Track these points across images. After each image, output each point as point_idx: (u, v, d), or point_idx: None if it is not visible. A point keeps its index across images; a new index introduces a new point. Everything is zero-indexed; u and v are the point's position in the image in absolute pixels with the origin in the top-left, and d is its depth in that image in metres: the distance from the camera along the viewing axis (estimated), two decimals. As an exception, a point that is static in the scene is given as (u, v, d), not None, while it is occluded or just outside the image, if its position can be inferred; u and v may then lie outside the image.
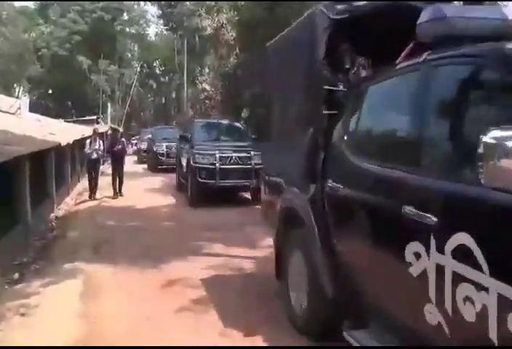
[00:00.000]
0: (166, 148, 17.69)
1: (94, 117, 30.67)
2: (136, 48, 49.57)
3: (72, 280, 5.13)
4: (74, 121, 27.30)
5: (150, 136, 20.74)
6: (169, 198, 11.64)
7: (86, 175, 12.51)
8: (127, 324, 3.85)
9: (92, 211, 9.79)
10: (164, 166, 17.70)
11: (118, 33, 44.14)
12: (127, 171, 13.26)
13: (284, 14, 13.11)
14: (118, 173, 11.96)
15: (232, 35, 16.96)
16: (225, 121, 13.01)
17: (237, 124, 12.95)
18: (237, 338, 3.57)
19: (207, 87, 21.24)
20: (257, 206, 7.23)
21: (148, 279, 5.08)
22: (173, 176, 13.85)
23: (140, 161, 22.84)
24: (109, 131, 23.50)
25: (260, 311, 4.03)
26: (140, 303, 4.35)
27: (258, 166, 9.10)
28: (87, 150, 11.74)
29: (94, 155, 11.72)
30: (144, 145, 22.64)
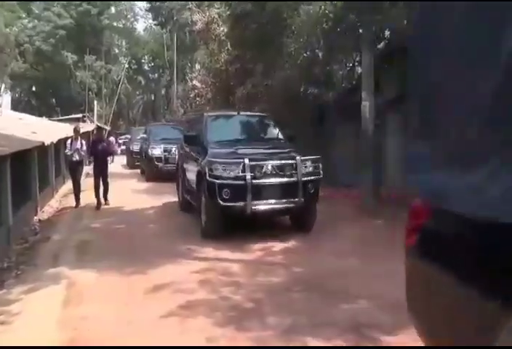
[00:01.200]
0: (165, 151, 15.13)
1: (80, 115, 30.58)
2: (124, 43, 49.49)
3: (55, 285, 5.13)
4: (59, 120, 27.19)
5: (143, 135, 17.69)
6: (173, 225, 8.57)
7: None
8: (111, 330, 3.87)
9: (77, 214, 9.78)
10: (167, 169, 14.45)
11: (105, 27, 44.00)
12: (115, 178, 12.92)
13: (275, 8, 13.14)
14: (101, 178, 10.62)
15: (223, 30, 16.96)
16: (249, 114, 9.65)
17: (266, 117, 9.33)
18: (226, 343, 3.62)
19: (198, 84, 21.17)
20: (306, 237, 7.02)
21: (133, 284, 5.09)
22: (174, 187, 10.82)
23: (131, 166, 20.89)
24: (95, 131, 23.39)
25: (250, 313, 4.07)
26: (124, 309, 4.36)
27: (307, 178, 7.12)
28: (68, 151, 10.74)
29: (76, 157, 10.64)
30: (136, 146, 19.76)
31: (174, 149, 13.89)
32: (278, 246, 6.69)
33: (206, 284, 5.05)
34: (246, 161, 6.75)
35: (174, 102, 29.84)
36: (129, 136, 25.18)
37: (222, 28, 17.06)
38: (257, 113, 10.05)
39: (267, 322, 4.01)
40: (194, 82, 22.53)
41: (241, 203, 6.74)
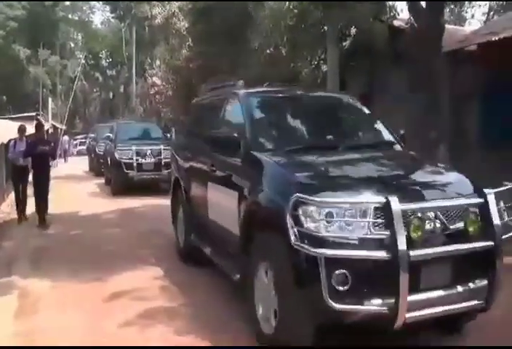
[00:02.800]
0: (138, 155, 12.04)
1: (34, 113, 29.83)
2: (80, 37, 48.53)
3: (6, 296, 4.99)
4: (11, 118, 26.46)
5: (109, 134, 14.08)
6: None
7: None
8: (67, 341, 3.80)
9: (33, 218, 9.50)
10: (142, 178, 12.24)
11: (60, 19, 43.03)
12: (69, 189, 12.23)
13: (240, 1, 13.16)
14: (39, 190, 8.72)
15: (184, 25, 16.86)
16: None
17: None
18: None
19: (158, 81, 21.04)
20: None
21: (91, 292, 5.02)
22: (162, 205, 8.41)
23: (97, 172, 17.43)
24: (50, 130, 22.80)
25: (218, 320, 4.07)
26: (81, 318, 4.28)
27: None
28: (11, 154, 9.30)
29: (21, 162, 9.10)
30: (101, 148, 15.96)
31: (149, 152, 12.08)
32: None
33: (166, 291, 5.03)
34: (395, 203, 2.94)
35: (133, 100, 29.51)
36: (91, 135, 23.01)
37: (183, 23, 16.95)
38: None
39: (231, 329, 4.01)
40: (154, 79, 22.38)
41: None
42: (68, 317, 4.32)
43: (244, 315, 3.95)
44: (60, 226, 8.57)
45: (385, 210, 2.94)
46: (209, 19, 14.10)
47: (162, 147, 12.11)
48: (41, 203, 8.68)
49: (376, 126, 4.78)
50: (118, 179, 12.37)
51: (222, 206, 4.45)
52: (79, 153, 35.32)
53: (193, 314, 4.31)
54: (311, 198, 2.97)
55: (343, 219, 2.94)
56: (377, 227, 2.96)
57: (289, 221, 2.98)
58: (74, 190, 13.96)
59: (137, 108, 31.00)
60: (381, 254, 2.90)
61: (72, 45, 47.73)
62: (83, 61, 45.30)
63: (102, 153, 15.79)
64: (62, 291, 5.07)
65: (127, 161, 12.11)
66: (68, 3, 43.75)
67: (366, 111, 4.93)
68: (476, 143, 8.18)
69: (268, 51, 11.01)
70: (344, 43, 10.55)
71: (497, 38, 7.34)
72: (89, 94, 50.03)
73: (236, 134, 4.18)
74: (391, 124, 4.83)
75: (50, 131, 25.82)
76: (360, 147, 4.28)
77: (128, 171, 12.06)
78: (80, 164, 21.74)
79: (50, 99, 38.62)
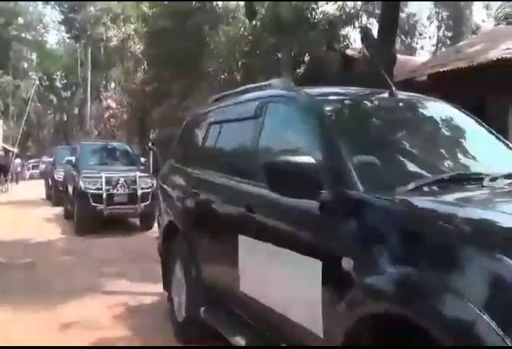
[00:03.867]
0: (108, 184, 9.82)
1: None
2: (34, 57, 47.81)
3: None
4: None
5: (70, 158, 11.74)
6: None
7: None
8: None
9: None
10: (113, 213, 9.85)
11: (13, 38, 42.35)
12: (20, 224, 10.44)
13: (194, 25, 13.23)
14: None
15: (140, 48, 16.82)
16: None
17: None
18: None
19: (112, 104, 20.79)
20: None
21: (41, 322, 4.72)
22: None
23: (55, 201, 14.66)
24: (1, 152, 22.03)
25: None
26: None
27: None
28: None
29: None
30: (60, 174, 13.80)
31: (122, 180, 9.86)
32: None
33: (120, 319, 4.81)
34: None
35: (88, 123, 29.06)
36: (48, 158, 21.33)
37: (138, 46, 16.92)
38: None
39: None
40: (109, 102, 22.11)
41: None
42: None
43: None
44: None
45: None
46: (164, 43, 14.09)
47: (138, 174, 9.97)
48: None
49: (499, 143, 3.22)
50: (84, 215, 9.75)
51: (277, 279, 2.68)
52: (31, 177, 34.50)
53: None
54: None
55: None
56: None
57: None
58: (27, 226, 10.76)
59: (92, 131, 30.52)
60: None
61: (25, 65, 46.91)
62: (37, 82, 44.59)
63: (61, 179, 13.53)
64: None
65: (95, 191, 9.70)
66: (21, 21, 43.19)
67: (481, 125, 3.33)
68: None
69: (222, 76, 11.00)
70: (298, 70, 10.67)
71: (445, 70, 7.55)
72: (43, 116, 48.99)
73: (309, 161, 2.34)
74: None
75: (1, 153, 24.98)
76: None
77: (96, 205, 9.60)
78: (34, 191, 20.16)
79: (1, 121, 37.65)
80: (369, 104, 3.17)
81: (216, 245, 3.52)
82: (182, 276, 4.06)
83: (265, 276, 2.84)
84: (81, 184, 9.76)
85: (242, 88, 4.05)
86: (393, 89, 3.09)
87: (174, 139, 13.05)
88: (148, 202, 9.56)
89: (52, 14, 51.93)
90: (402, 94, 3.23)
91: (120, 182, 9.81)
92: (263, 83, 3.72)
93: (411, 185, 2.26)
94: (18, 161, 32.44)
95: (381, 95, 3.20)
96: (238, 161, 3.39)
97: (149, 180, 9.86)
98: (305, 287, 2.38)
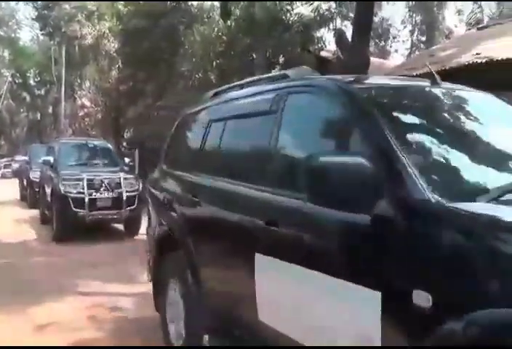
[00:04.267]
0: (90, 187, 8.80)
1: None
2: (6, 53, 46.77)
3: None
4: None
5: (47, 158, 10.52)
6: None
7: None
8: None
9: None
10: (96, 219, 8.91)
11: (-16, 35, 41.37)
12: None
13: (169, 25, 13.10)
14: None
15: (114, 46, 16.59)
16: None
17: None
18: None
19: (87, 103, 20.49)
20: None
21: (14, 324, 4.58)
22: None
23: (31, 203, 13.61)
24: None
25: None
26: None
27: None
28: None
29: None
30: (36, 174, 12.64)
31: (106, 182, 8.93)
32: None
33: (94, 321, 4.73)
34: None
35: (62, 122, 28.60)
36: (23, 157, 20.53)
37: (113, 44, 16.69)
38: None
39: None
40: (83, 100, 21.79)
41: None
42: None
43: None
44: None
45: None
46: (139, 42, 13.92)
47: (122, 175, 9.10)
48: None
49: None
50: (63, 221, 8.71)
51: (313, 310, 2.10)
52: (4, 176, 33.92)
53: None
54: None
55: None
56: None
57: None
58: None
59: (66, 130, 30.02)
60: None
61: (-3, 62, 45.90)
62: (9, 79, 43.67)
63: (37, 180, 12.31)
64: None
65: (76, 195, 8.69)
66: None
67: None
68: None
69: (196, 76, 10.90)
70: (272, 71, 10.64)
71: (418, 73, 7.60)
72: (16, 114, 47.97)
73: (362, 163, 1.81)
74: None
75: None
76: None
77: (77, 210, 8.61)
78: (7, 190, 19.09)
79: (-29, 119, 36.80)
80: (421, 94, 2.59)
81: (224, 264, 2.87)
82: (180, 298, 3.38)
83: (294, 306, 2.19)
84: (61, 187, 8.74)
85: (248, 80, 3.53)
86: (437, 77, 2.52)
87: (149, 139, 12.78)
88: (133, 206, 8.83)
89: (25, 11, 51.01)
90: (446, 84, 2.64)
91: (103, 184, 8.88)
92: (277, 74, 3.27)
93: (494, 193, 1.76)
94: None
95: (424, 84, 2.60)
96: (249, 164, 2.80)
97: (134, 182, 9.15)
98: (357, 324, 1.80)
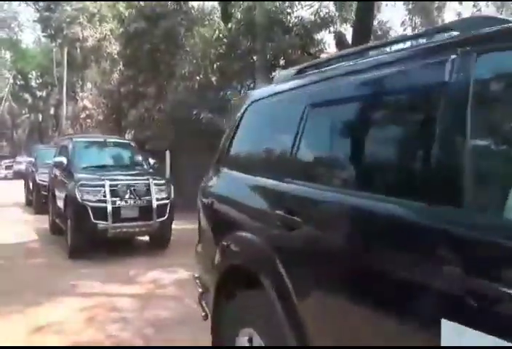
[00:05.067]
0: (114, 194, 7.32)
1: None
2: (8, 55, 46.81)
3: None
4: None
5: (59, 159, 8.78)
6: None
7: None
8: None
9: None
10: (120, 233, 7.42)
11: (-14, 36, 41.43)
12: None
13: (170, 27, 13.13)
14: None
15: (115, 49, 16.60)
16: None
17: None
18: None
19: (88, 105, 20.50)
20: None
21: (11, 326, 4.54)
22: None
23: (37, 208, 12.59)
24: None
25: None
26: None
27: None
28: None
29: None
30: (43, 177, 11.79)
31: (132, 189, 7.44)
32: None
33: (92, 322, 4.65)
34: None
35: (63, 123, 28.62)
36: (22, 158, 20.15)
37: (114, 46, 16.70)
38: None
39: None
40: (85, 102, 21.80)
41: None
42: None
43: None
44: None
45: None
46: (140, 44, 13.95)
47: (151, 179, 7.64)
48: None
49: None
50: (81, 236, 7.28)
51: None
52: (5, 178, 34.10)
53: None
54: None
55: None
56: None
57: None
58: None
59: (67, 131, 30.04)
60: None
61: (-1, 64, 45.94)
62: (11, 81, 43.73)
63: (45, 183, 11.21)
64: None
65: (97, 204, 7.18)
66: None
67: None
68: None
69: (197, 78, 10.90)
70: (273, 74, 10.65)
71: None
72: (18, 115, 48.05)
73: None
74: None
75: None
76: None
77: (97, 222, 7.12)
78: (10, 191, 17.87)
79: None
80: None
81: (362, 323, 1.69)
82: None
83: None
84: (78, 194, 7.19)
85: (370, 44, 2.73)
86: None
87: (149, 140, 12.62)
88: (165, 217, 7.53)
89: (27, 13, 51.08)
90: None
91: (129, 191, 7.41)
92: (443, 25, 2.14)
93: None
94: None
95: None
96: (400, 170, 1.76)
97: (166, 188, 7.77)
98: None
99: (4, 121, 45.31)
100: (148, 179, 7.60)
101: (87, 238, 7.30)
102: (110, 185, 7.27)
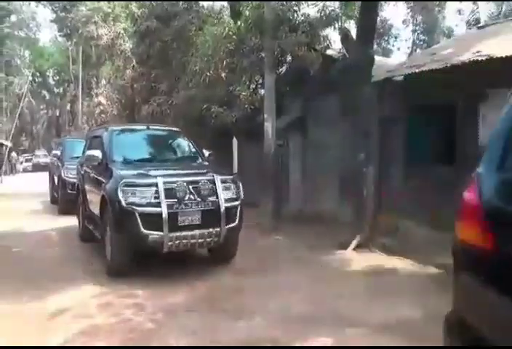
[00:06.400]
0: (168, 196, 5.37)
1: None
2: (27, 54, 46.93)
3: None
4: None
5: (93, 152, 6.72)
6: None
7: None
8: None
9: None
10: (180, 245, 5.45)
11: (6, 36, 41.48)
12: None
13: (181, 26, 13.09)
14: None
15: (129, 46, 16.60)
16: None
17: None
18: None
19: (103, 100, 20.53)
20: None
21: (30, 311, 4.58)
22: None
23: (63, 208, 10.96)
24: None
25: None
26: (21, 338, 3.88)
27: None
28: None
29: None
30: (72, 173, 10.14)
31: (191, 187, 5.52)
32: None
33: (106, 308, 4.69)
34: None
35: (79, 118, 28.67)
36: (40, 152, 19.55)
37: (127, 44, 16.70)
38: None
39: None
40: (99, 98, 21.85)
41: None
42: (5, 337, 3.90)
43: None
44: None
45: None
46: (152, 42, 13.96)
47: (216, 175, 5.80)
48: None
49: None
50: (126, 249, 5.54)
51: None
52: (25, 170, 34.59)
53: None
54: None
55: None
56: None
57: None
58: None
59: (83, 126, 30.14)
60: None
61: (18, 62, 46.01)
62: (30, 78, 43.81)
63: (72, 180, 9.89)
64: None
65: (147, 209, 5.34)
66: (14, 19, 42.30)
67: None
68: (402, 163, 8.29)
69: (207, 74, 10.85)
70: (280, 69, 10.59)
71: (421, 70, 7.54)
72: (36, 111, 48.22)
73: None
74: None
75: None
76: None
77: (149, 232, 5.28)
78: (30, 184, 16.51)
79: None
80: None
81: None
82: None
83: None
84: (121, 195, 5.29)
85: None
86: None
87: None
88: (235, 223, 5.78)
89: (44, 13, 51.05)
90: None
91: (188, 191, 5.46)
92: None
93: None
94: (14, 154, 32.46)
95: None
96: None
97: (235, 187, 5.94)
98: None
99: (24, 117, 45.37)
100: (212, 176, 5.74)
101: (134, 251, 5.54)
102: (164, 184, 5.37)
